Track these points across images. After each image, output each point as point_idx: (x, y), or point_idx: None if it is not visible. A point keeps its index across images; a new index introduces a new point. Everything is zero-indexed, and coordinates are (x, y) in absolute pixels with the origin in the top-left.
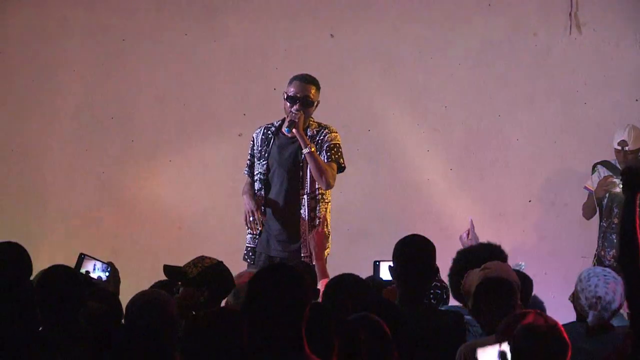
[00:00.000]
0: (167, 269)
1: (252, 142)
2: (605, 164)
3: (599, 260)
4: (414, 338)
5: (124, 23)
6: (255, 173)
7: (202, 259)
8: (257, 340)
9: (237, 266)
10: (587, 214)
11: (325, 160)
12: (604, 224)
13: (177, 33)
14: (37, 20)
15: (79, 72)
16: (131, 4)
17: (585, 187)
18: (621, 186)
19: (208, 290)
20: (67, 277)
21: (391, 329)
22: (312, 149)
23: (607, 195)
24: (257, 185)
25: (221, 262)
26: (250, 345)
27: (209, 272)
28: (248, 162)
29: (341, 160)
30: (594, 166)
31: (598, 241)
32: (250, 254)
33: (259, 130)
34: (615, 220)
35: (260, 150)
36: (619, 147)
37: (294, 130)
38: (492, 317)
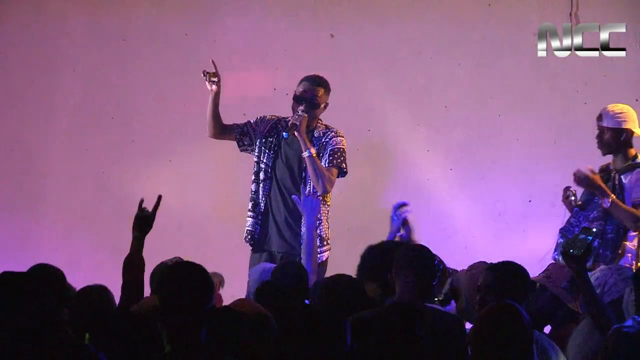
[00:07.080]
0: None
1: (259, 117)
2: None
3: None
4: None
5: (124, 23)
6: (260, 162)
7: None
8: None
9: (237, 266)
10: None
11: (327, 164)
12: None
13: (177, 33)
14: (37, 20)
15: (79, 72)
16: (131, 4)
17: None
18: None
19: None
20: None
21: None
22: (313, 153)
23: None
24: (262, 176)
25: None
26: None
27: None
28: (244, 121)
29: (343, 165)
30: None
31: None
32: (249, 237)
33: (273, 119)
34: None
35: (267, 137)
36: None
37: (295, 133)
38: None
